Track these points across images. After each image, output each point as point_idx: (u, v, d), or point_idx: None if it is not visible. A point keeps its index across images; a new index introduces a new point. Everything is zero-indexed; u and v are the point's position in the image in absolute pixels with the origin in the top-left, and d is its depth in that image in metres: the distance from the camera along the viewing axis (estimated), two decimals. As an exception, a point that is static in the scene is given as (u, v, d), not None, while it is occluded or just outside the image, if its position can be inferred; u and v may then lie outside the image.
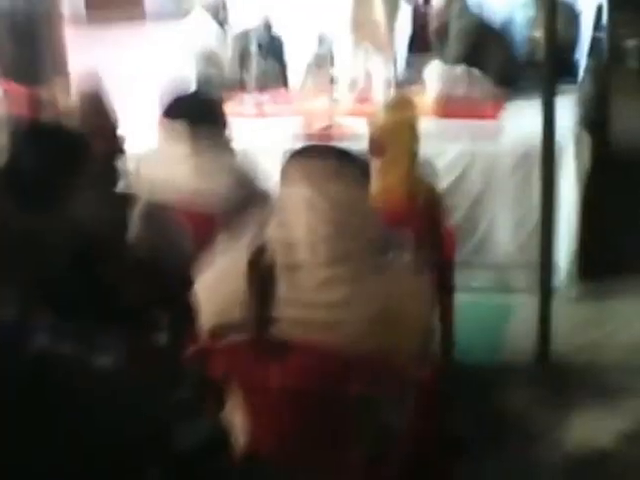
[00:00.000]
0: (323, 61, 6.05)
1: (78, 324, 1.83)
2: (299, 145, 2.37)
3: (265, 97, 5.70)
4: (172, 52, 6.44)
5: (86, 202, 2.56)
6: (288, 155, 2.30)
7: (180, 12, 7.82)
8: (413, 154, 3.66)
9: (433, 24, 5.84)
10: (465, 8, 5.61)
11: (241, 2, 6.70)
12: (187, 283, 2.34)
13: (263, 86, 5.87)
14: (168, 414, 1.94)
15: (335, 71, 5.74)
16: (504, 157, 4.70)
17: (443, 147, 4.72)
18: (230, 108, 4.35)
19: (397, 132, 3.65)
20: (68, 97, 3.00)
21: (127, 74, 7.60)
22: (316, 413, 2.17)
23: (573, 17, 5.91)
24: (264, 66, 6.04)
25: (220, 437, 2.13)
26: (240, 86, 5.96)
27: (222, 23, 6.24)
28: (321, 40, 6.23)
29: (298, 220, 2.14)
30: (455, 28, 5.55)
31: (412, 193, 3.58)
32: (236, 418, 2.24)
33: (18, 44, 7.99)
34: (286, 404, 2.16)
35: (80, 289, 2.31)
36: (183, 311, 2.34)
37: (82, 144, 2.59)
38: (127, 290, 2.46)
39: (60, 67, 7.23)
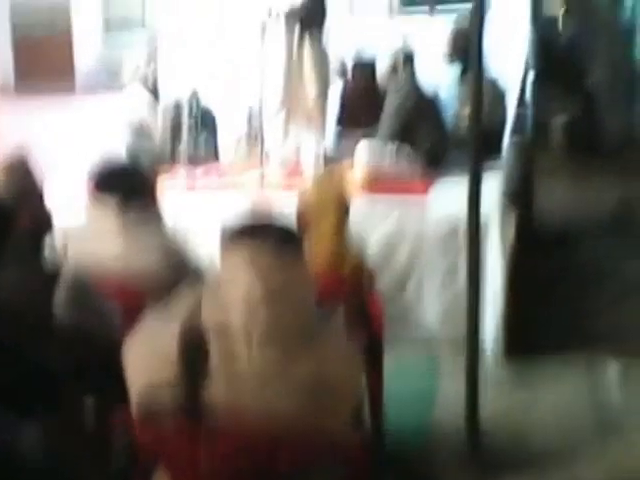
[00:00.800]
0: (253, 135, 6.09)
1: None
2: (234, 222, 2.36)
3: (197, 171, 5.70)
4: (103, 124, 6.42)
5: (11, 276, 2.51)
6: (225, 234, 2.27)
7: (112, 84, 7.81)
8: (341, 229, 3.68)
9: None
10: (407, 82, 5.68)
11: (171, 73, 6.72)
12: (114, 358, 2.29)
13: (195, 160, 5.87)
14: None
15: (265, 145, 5.78)
16: (432, 234, 4.76)
17: (372, 224, 4.77)
18: (162, 182, 4.33)
19: (324, 207, 3.67)
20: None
21: (56, 145, 7.55)
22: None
23: (501, 95, 6.02)
24: (196, 139, 6.04)
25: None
26: (172, 159, 5.95)
27: (154, 94, 6.24)
28: (251, 114, 6.27)
29: (235, 301, 2.11)
30: (393, 101, 5.60)
31: (339, 266, 3.58)
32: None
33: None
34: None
35: (4, 365, 2.24)
36: (111, 387, 2.29)
37: (6, 216, 2.54)
38: (52, 365, 2.40)
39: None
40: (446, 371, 4.49)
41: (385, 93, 5.81)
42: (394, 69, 5.78)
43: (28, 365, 2.30)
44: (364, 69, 6.49)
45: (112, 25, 8.17)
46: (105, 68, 8.17)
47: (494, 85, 5.85)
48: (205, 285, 2.27)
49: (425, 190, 5.10)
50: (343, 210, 3.71)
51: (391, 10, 7.53)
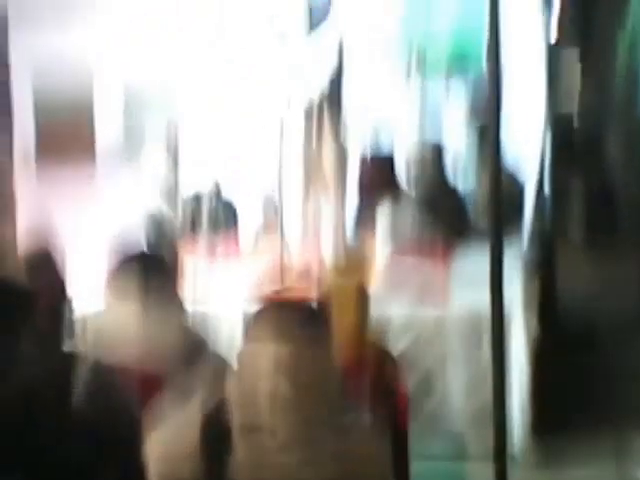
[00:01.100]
0: (272, 224, 6.10)
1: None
2: (258, 307, 2.33)
3: (217, 260, 5.69)
4: (122, 205, 6.45)
5: (31, 360, 2.47)
6: (252, 314, 2.27)
7: (132, 164, 7.89)
8: (362, 318, 3.62)
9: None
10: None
11: (191, 165, 6.78)
12: (134, 444, 2.23)
13: (214, 250, 5.87)
14: None
15: (284, 232, 5.78)
16: (453, 324, 4.70)
17: (393, 313, 4.72)
18: (181, 270, 4.32)
19: (344, 298, 3.61)
20: (14, 251, 2.93)
21: (76, 223, 7.62)
22: None
23: (518, 180, 6.02)
24: (215, 230, 6.04)
25: None
26: (191, 249, 5.93)
27: (174, 181, 6.25)
28: (268, 202, 6.30)
29: (261, 379, 2.07)
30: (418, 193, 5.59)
31: (363, 356, 3.51)
32: None
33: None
34: None
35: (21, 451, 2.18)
36: (132, 473, 2.22)
37: (28, 300, 2.51)
38: (71, 451, 2.33)
39: (6, 217, 7.23)
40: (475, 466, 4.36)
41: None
42: (421, 163, 5.76)
43: (45, 451, 2.22)
44: (383, 162, 6.53)
45: (132, 108, 8.28)
46: (126, 147, 8.24)
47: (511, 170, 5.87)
48: (228, 375, 2.22)
49: (445, 291, 4.99)
50: (362, 300, 3.66)
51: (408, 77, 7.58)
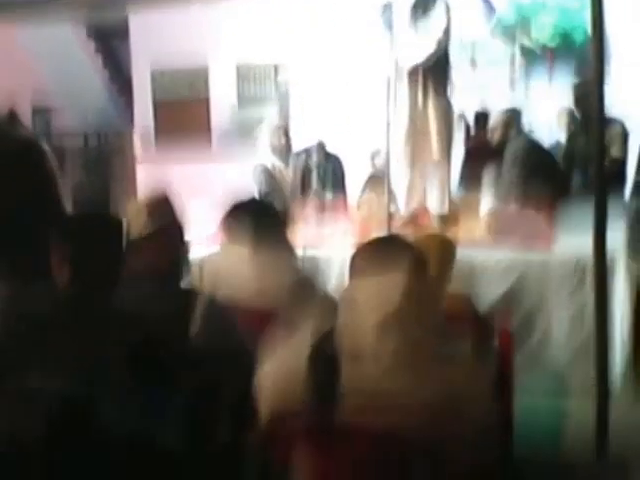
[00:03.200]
0: (379, 177, 6.11)
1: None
2: (362, 250, 2.36)
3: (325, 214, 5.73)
4: (237, 175, 6.57)
5: (153, 296, 2.56)
6: (356, 249, 2.30)
7: (245, 145, 8.04)
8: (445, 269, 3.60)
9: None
10: (519, 132, 5.58)
11: (302, 123, 6.85)
12: (247, 377, 2.30)
13: (323, 204, 5.92)
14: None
15: (392, 185, 5.79)
16: (557, 267, 4.64)
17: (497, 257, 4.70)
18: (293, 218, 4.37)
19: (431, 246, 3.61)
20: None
21: (193, 193, 7.78)
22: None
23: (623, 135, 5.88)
24: (324, 184, 6.09)
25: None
26: (302, 203, 6.01)
27: (287, 144, 6.29)
28: (375, 155, 6.31)
29: (367, 309, 2.10)
30: (511, 151, 5.49)
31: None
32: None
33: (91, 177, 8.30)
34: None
35: (142, 377, 2.27)
36: (245, 402, 2.29)
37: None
38: (189, 381, 2.42)
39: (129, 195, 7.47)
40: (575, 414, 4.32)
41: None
42: (505, 125, 5.64)
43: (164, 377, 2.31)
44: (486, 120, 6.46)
45: (245, 100, 8.40)
46: (239, 129, 8.36)
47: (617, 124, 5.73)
48: (334, 309, 2.25)
49: (549, 238, 4.93)
50: (450, 249, 3.65)
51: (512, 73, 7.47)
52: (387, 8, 5.58)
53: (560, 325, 4.62)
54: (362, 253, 2.30)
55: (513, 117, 5.56)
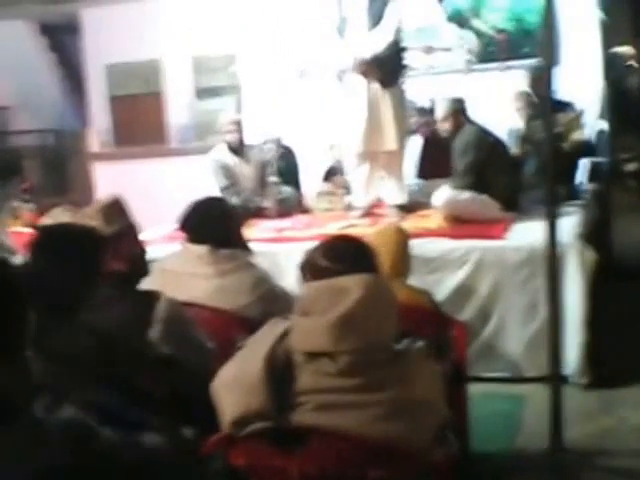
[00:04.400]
0: (337, 169, 6.13)
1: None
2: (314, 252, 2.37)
3: (283, 221, 5.71)
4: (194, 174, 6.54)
5: (110, 300, 2.54)
6: (310, 251, 2.32)
7: (202, 139, 8.03)
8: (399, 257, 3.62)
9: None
10: (468, 120, 5.57)
11: (255, 119, 6.84)
12: (208, 379, 2.29)
13: (280, 209, 5.92)
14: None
15: (348, 177, 5.82)
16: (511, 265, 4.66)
17: (452, 246, 4.74)
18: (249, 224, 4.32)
19: (386, 237, 3.63)
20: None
21: (152, 184, 7.80)
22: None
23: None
24: (280, 181, 6.05)
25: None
26: (258, 206, 5.99)
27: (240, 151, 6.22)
28: (333, 147, 6.31)
29: (322, 309, 2.10)
30: (461, 140, 5.48)
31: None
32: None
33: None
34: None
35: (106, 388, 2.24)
36: (206, 404, 2.28)
37: (102, 244, 2.58)
38: (149, 384, 2.40)
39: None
40: (530, 400, 4.37)
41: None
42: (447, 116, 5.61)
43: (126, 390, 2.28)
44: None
45: (202, 92, 8.39)
46: (196, 123, 8.34)
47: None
48: (292, 313, 2.24)
49: (502, 235, 4.94)
50: (402, 239, 3.69)
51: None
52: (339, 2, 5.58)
53: (515, 313, 4.65)
54: (314, 254, 2.32)
55: (462, 105, 5.56)
